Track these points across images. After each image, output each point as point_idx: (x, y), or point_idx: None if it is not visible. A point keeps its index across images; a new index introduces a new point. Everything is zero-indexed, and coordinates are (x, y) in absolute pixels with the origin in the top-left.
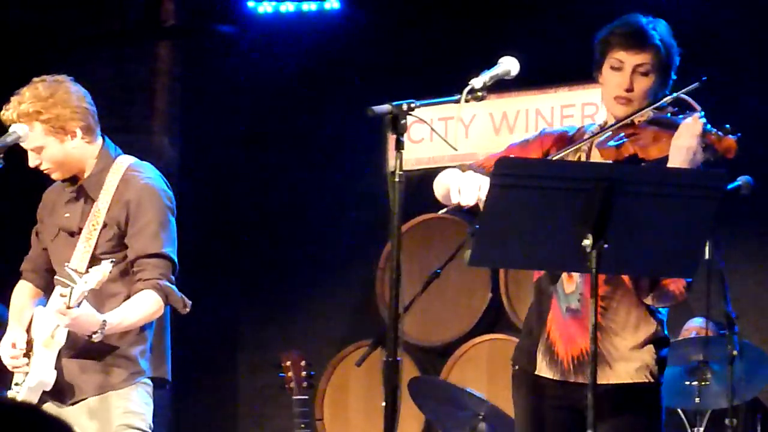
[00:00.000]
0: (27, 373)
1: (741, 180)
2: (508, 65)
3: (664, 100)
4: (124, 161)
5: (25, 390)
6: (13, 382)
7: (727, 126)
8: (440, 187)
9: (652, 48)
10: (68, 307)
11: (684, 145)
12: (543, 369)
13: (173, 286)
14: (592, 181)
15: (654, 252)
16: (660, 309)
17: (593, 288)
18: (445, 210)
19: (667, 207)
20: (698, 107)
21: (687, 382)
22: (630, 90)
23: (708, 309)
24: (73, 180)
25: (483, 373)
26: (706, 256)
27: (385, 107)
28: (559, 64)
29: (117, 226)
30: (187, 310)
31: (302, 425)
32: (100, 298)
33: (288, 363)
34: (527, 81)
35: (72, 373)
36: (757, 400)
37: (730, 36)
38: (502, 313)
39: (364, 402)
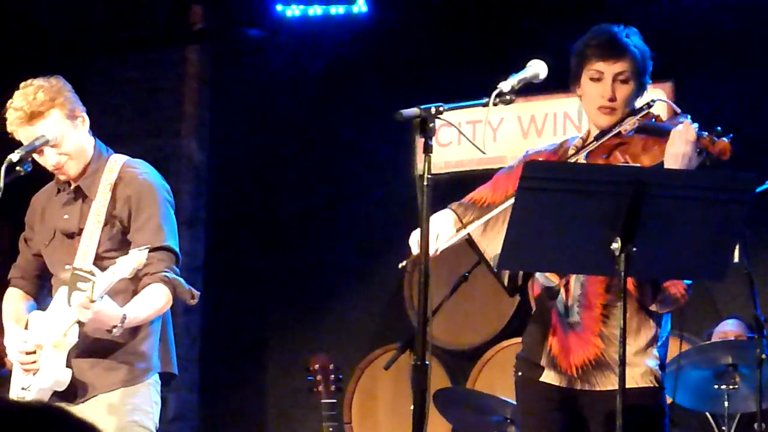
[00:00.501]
0: (34, 373)
1: None
2: (537, 69)
3: (644, 106)
4: (119, 159)
5: (36, 390)
6: (17, 386)
7: (719, 128)
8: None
9: (629, 55)
10: (91, 301)
11: (679, 152)
12: (547, 377)
13: (180, 278)
14: (620, 184)
15: (683, 255)
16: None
17: (623, 291)
18: (403, 264)
19: (697, 210)
20: (679, 110)
21: (716, 386)
22: (613, 99)
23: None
24: (66, 183)
25: (510, 376)
26: (735, 260)
27: (414, 111)
28: None
29: (119, 223)
30: (195, 301)
31: (330, 428)
32: (108, 295)
33: (316, 366)
34: (555, 84)
35: (81, 371)
36: None
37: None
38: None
39: (392, 405)
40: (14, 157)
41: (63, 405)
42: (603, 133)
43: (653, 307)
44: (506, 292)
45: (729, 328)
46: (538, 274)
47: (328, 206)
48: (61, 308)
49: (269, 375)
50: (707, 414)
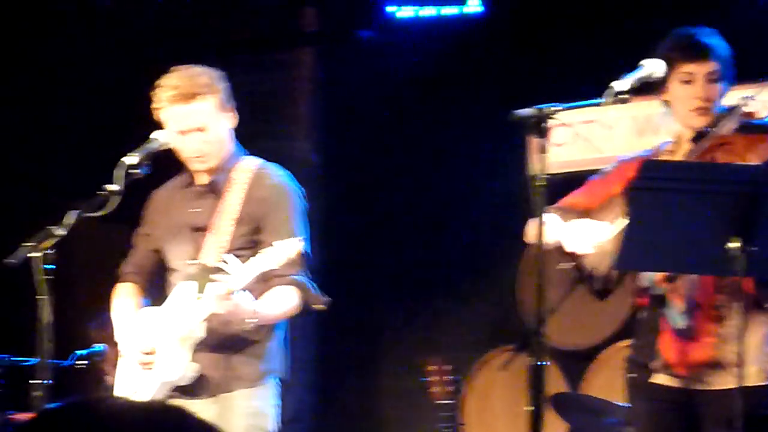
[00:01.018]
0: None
1: None
2: (652, 67)
3: (741, 102)
4: (252, 160)
5: (158, 384)
6: (130, 381)
7: None
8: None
9: (716, 55)
10: (231, 292)
11: None
12: (659, 378)
13: (311, 282)
14: (738, 183)
15: None
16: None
17: (739, 291)
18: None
19: None
20: None
21: None
22: (707, 99)
23: None
24: (191, 178)
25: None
26: None
27: (529, 111)
28: None
29: (253, 223)
30: (323, 306)
31: (446, 430)
32: None
33: (431, 368)
34: None
35: (207, 368)
36: None
37: None
38: None
39: (507, 407)
40: (131, 160)
41: (182, 400)
42: (701, 134)
43: None
44: (594, 294)
45: None
46: (645, 278)
47: (442, 207)
48: (185, 302)
49: (384, 377)
50: None
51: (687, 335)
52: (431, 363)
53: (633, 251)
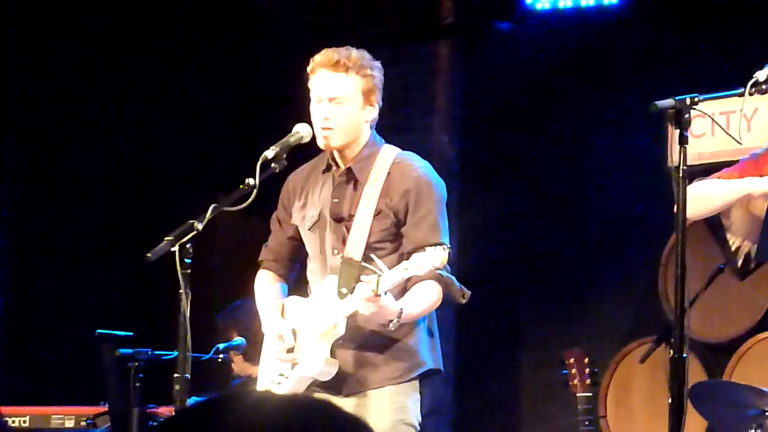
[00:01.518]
0: (292, 366)
1: None
2: None
3: None
4: (392, 150)
5: (296, 378)
6: (272, 373)
7: None
8: (706, 202)
9: None
10: (376, 295)
11: None
12: None
13: (452, 276)
14: None
15: None
16: None
17: None
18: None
19: None
20: None
21: None
22: None
23: None
24: (327, 165)
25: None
26: None
27: (669, 102)
28: None
29: (394, 216)
30: (465, 300)
31: (586, 422)
32: None
33: (571, 360)
34: None
35: (347, 363)
36: None
37: None
38: None
39: (648, 399)
40: (270, 153)
41: (328, 397)
42: None
43: None
44: (738, 275)
45: None
46: None
47: (582, 200)
48: (330, 297)
49: (523, 369)
50: None
51: None
52: (571, 355)
53: None
